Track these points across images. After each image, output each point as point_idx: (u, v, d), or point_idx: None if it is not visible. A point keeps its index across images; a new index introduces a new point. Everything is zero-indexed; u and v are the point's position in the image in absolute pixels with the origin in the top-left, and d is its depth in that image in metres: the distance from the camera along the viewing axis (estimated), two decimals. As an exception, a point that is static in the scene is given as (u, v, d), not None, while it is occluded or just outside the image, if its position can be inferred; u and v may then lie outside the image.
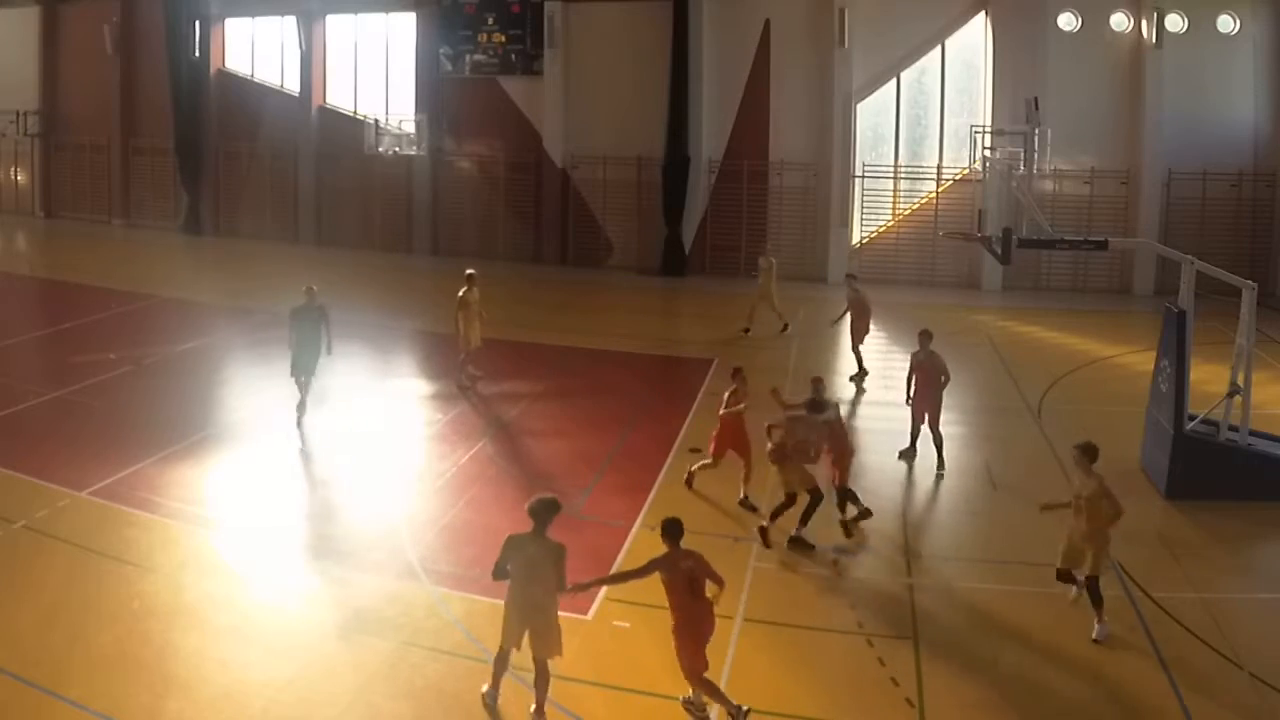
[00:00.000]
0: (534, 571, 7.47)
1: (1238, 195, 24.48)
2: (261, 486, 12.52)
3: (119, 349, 18.12)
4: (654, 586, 9.75)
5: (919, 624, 9.23)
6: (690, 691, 7.83)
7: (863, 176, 26.51)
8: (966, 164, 24.77)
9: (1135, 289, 24.97)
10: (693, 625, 7.62)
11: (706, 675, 7.68)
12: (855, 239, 26.76)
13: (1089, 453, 9.31)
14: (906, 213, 26.56)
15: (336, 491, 12.23)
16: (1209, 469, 12.02)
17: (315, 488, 12.44)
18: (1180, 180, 24.46)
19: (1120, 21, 24.83)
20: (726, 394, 12.05)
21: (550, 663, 7.64)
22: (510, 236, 29.16)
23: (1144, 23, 24.41)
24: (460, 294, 16.23)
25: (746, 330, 20.15)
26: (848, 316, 17.42)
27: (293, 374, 14.35)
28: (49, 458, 12.63)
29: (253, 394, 14.18)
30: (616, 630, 9.04)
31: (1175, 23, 24.37)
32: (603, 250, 28.44)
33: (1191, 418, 12.35)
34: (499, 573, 7.57)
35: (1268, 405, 14.30)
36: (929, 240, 25.68)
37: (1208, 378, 14.06)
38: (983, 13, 25.53)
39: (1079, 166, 24.63)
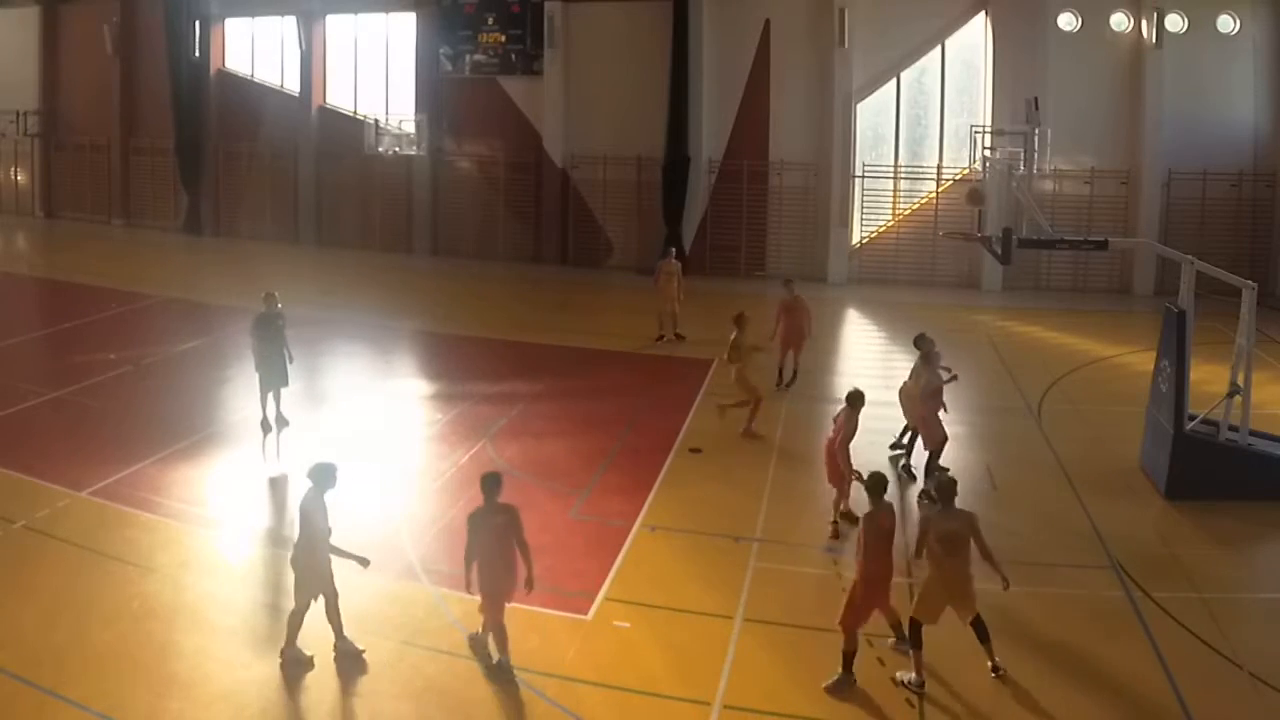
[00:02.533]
0: (310, 529, 8.26)
1: (1238, 195, 24.46)
2: (262, 486, 12.54)
3: (119, 349, 18.12)
4: (656, 589, 9.81)
5: (919, 624, 9.22)
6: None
7: (863, 176, 26.49)
8: (966, 164, 24.76)
9: (1135, 289, 24.96)
10: (491, 577, 8.17)
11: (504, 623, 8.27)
12: (855, 239, 26.76)
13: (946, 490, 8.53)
14: (906, 213, 26.54)
15: (337, 491, 12.19)
16: (1209, 469, 12.01)
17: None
18: (1180, 180, 24.45)
19: (1120, 21, 24.82)
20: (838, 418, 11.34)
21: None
22: (510, 236, 29.16)
23: (1144, 23, 24.41)
24: (733, 337, 14.40)
25: (678, 336, 19.38)
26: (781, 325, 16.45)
27: (262, 389, 13.92)
28: (49, 458, 12.63)
29: (253, 394, 14.15)
30: (616, 630, 9.05)
31: (1175, 23, 24.35)
32: (603, 250, 28.43)
33: (1191, 418, 12.35)
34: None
35: (1268, 405, 14.30)
36: (929, 240, 25.66)
37: (1208, 378, 14.07)
38: (983, 13, 25.51)
39: (1079, 166, 24.63)
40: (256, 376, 14.05)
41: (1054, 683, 8.33)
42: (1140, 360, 17.45)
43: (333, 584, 8.38)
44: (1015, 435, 14.71)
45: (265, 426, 14.05)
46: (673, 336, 19.57)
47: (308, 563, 8.31)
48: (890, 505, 8.48)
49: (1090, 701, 8.09)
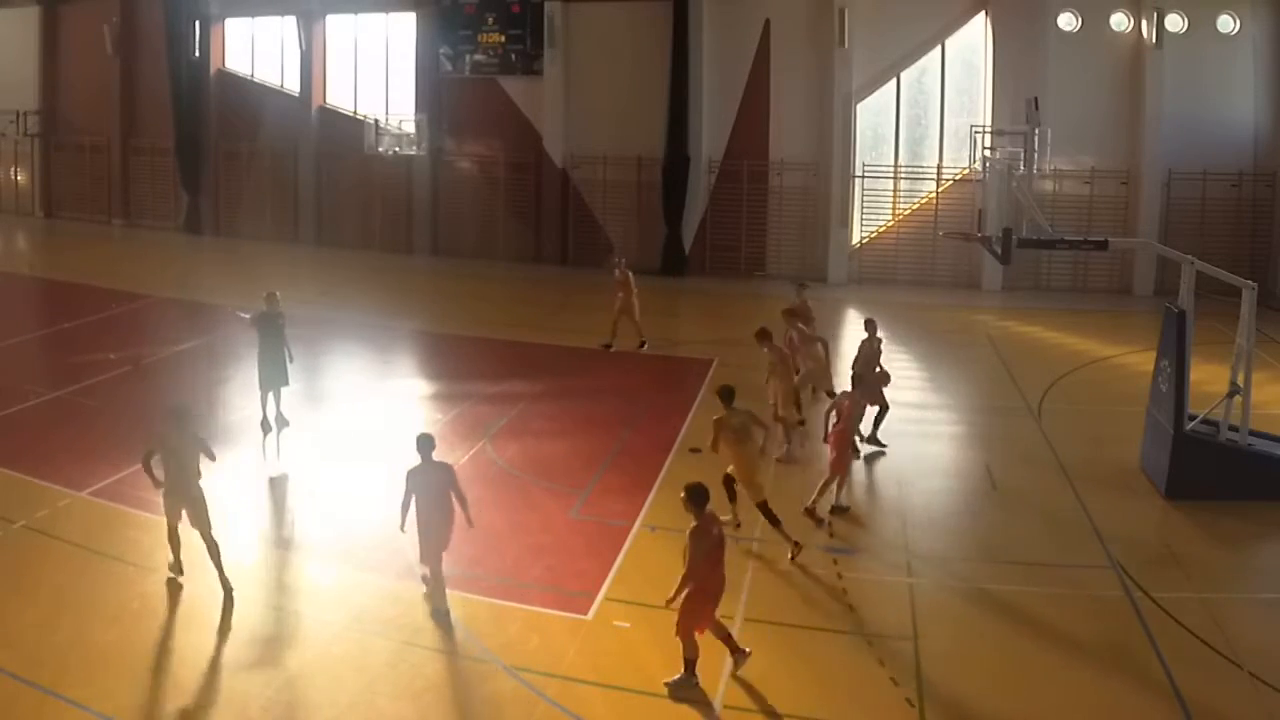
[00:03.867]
0: (180, 460, 9.27)
1: (1238, 195, 24.47)
2: (262, 486, 12.54)
3: (119, 349, 18.12)
4: (656, 589, 9.79)
5: (919, 624, 9.22)
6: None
7: (863, 176, 26.50)
8: (966, 164, 24.74)
9: (1135, 289, 24.96)
10: (430, 530, 8.98)
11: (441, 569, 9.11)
12: (855, 239, 26.77)
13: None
14: (906, 213, 26.56)
15: (337, 491, 12.22)
16: (1209, 469, 12.01)
17: (315, 488, 12.43)
18: (1180, 180, 24.46)
19: (1120, 21, 24.83)
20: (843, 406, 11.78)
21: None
22: (510, 236, 29.16)
23: (1144, 23, 24.41)
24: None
25: (606, 346, 18.85)
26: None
27: (262, 388, 13.96)
28: (49, 458, 12.62)
29: (253, 394, 14.15)
30: (616, 630, 9.05)
31: (1175, 23, 24.36)
32: (603, 250, 28.38)
33: (1191, 418, 12.35)
34: (145, 459, 9.39)
35: (1268, 405, 14.30)
36: (929, 240, 25.68)
37: (1208, 378, 14.07)
38: (983, 13, 25.52)
39: (1079, 166, 24.62)
40: (257, 376, 14.05)
41: (1054, 682, 8.34)
42: (1140, 360, 17.45)
43: (206, 516, 9.33)
44: (1015, 435, 14.70)
45: (265, 426, 14.04)
46: (609, 341, 18.91)
47: (178, 490, 9.31)
48: (715, 514, 8.13)
49: (1090, 701, 8.09)
